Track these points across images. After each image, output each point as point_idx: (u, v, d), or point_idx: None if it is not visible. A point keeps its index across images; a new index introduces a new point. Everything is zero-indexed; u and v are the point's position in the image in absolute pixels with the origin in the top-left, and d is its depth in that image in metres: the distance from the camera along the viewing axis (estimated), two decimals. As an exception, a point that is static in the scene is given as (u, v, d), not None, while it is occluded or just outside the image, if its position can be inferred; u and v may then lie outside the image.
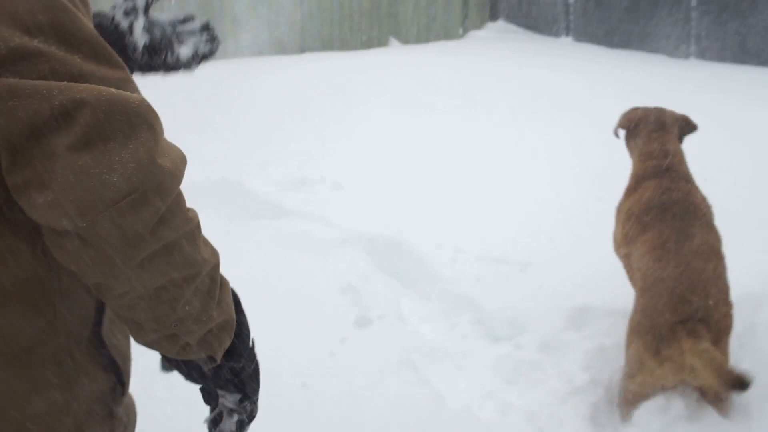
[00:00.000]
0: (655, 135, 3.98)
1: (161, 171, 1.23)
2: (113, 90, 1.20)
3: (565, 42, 12.30)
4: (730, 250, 3.68)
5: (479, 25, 13.81)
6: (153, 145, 1.22)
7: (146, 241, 1.23)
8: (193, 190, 6.22)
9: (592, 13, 12.38)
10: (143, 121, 1.22)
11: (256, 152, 6.82)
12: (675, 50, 11.20)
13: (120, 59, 1.28)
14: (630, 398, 3.42)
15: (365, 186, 6.03)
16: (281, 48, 12.47)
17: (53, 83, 1.17)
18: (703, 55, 10.89)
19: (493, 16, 13.94)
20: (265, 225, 5.55)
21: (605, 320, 4.18)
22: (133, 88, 1.28)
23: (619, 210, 4.01)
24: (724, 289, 3.42)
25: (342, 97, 8.81)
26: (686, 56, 11.08)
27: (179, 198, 1.31)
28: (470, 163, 6.46)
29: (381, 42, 13.06)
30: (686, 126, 4.09)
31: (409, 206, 5.66)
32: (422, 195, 5.86)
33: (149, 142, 1.22)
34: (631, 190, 3.95)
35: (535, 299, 4.45)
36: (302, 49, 12.58)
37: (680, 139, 4.08)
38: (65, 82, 1.18)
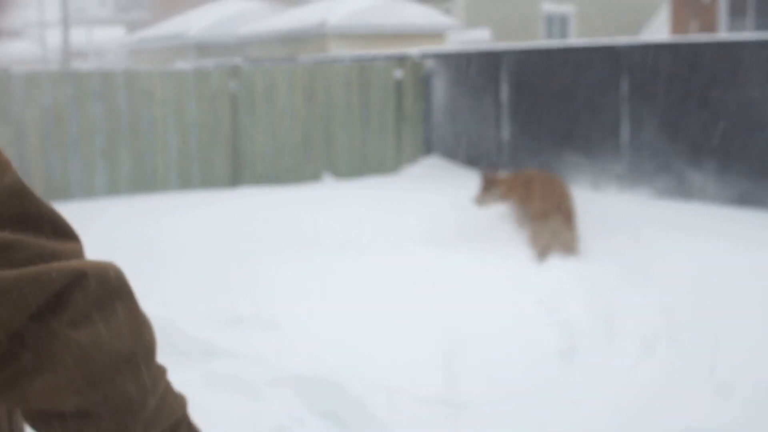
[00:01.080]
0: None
1: (149, 330, 1.26)
2: (91, 261, 1.24)
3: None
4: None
5: (413, 159, 13.99)
6: (136, 306, 1.25)
7: (143, 406, 1.25)
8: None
9: (525, 147, 12.66)
10: (123, 284, 1.25)
11: (186, 289, 6.66)
12: (596, 186, 11.47)
13: (73, 229, 1.32)
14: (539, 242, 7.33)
15: (300, 325, 5.89)
16: (212, 182, 12.44)
17: (40, 267, 1.19)
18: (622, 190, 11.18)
19: (427, 152, 14.15)
20: (195, 365, 5.37)
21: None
22: (85, 256, 1.31)
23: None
24: (568, 201, 7.64)
25: (275, 233, 8.75)
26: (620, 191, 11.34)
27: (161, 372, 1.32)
28: (406, 301, 6.38)
29: (315, 177, 13.13)
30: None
31: (345, 345, 5.53)
32: (358, 334, 5.74)
33: (132, 305, 1.25)
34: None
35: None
36: (234, 183, 12.57)
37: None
38: (46, 264, 1.20)
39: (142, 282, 6.12)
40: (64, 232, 1.30)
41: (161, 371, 1.30)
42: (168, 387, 1.33)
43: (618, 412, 4.72)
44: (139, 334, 1.24)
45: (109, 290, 1.22)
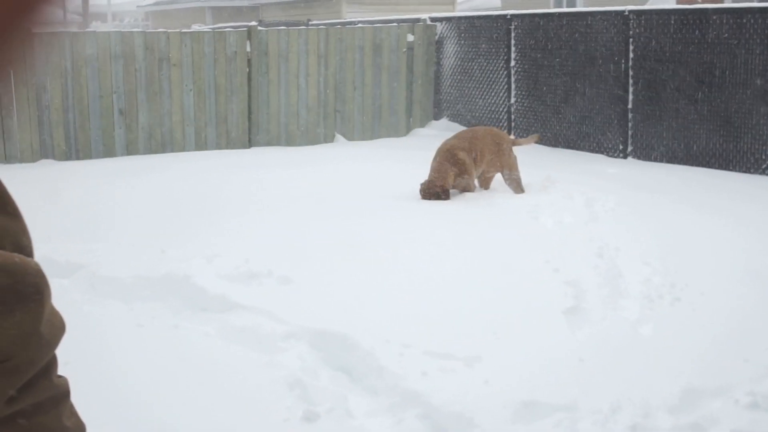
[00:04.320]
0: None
1: (39, 340, 1.21)
2: (14, 259, 1.19)
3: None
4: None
5: (423, 123, 14.12)
6: (38, 314, 1.21)
7: (10, 405, 1.20)
8: (139, 283, 6.22)
9: (533, 114, 12.76)
10: (36, 291, 1.21)
11: (202, 246, 6.83)
12: (614, 151, 11.58)
13: (16, 205, 1.27)
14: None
15: (313, 280, 6.06)
16: (227, 143, 12.60)
17: None
18: (638, 155, 11.27)
19: (437, 116, 14.28)
20: (212, 318, 5.54)
21: (553, 415, 4.23)
22: (29, 239, 1.27)
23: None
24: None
25: (289, 190, 8.91)
26: (625, 156, 11.44)
27: (51, 364, 1.28)
28: (416, 258, 6.53)
29: (327, 138, 13.27)
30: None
31: (357, 301, 5.69)
32: (370, 289, 5.90)
33: (36, 312, 1.21)
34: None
35: (482, 394, 4.48)
36: (249, 145, 12.72)
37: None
38: None
39: (159, 238, 6.33)
40: (6, 208, 1.24)
41: (49, 387, 1.25)
42: (60, 403, 1.28)
43: (620, 368, 4.87)
44: (26, 344, 1.19)
45: (14, 291, 1.18)
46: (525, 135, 12.54)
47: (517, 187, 8.74)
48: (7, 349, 1.16)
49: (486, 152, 8.66)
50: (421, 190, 8.47)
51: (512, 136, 9.52)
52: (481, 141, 8.70)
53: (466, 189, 8.71)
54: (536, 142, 10.19)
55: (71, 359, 4.53)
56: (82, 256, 6.71)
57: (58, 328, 1.27)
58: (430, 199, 8.40)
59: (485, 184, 8.94)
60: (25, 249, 1.25)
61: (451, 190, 8.62)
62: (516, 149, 9.03)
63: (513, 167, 8.78)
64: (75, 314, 5.49)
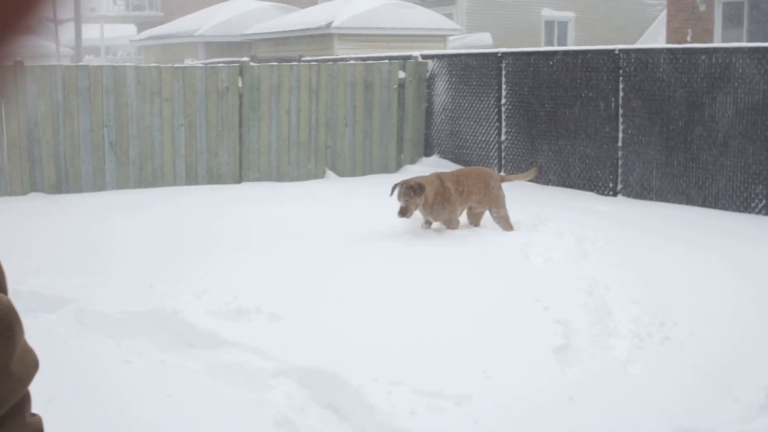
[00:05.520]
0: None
1: (10, 379, 1.20)
2: None
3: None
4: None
5: (414, 160, 14.16)
6: (10, 353, 1.20)
7: None
8: (127, 318, 6.19)
9: (522, 152, 12.81)
10: (6, 328, 1.20)
11: (191, 281, 6.80)
12: (604, 188, 11.62)
13: None
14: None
15: (302, 317, 6.03)
16: (218, 178, 12.60)
17: None
18: (628, 193, 11.31)
19: (428, 152, 14.33)
20: (200, 354, 5.50)
21: (541, 455, 4.19)
22: (1, 273, 1.26)
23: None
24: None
25: (279, 226, 8.90)
26: (615, 194, 11.48)
27: (24, 402, 1.27)
28: (406, 296, 6.52)
29: (318, 174, 13.29)
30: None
31: (346, 338, 5.66)
32: (359, 327, 5.88)
33: (6, 350, 1.20)
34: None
35: (471, 433, 4.45)
36: (239, 180, 12.73)
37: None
38: None
39: (148, 274, 6.31)
40: None
41: (22, 425, 1.23)
42: None
43: (610, 407, 4.85)
44: None
45: None
46: (515, 171, 12.60)
47: (505, 224, 8.75)
48: None
49: (473, 189, 8.69)
50: (396, 190, 8.30)
51: (502, 173, 9.62)
52: (469, 178, 8.76)
53: (449, 223, 8.62)
54: (532, 178, 10.24)
55: (56, 395, 4.50)
56: (70, 290, 6.68)
57: (30, 366, 1.25)
58: (408, 200, 8.14)
59: (475, 220, 8.95)
60: None
61: (433, 223, 8.62)
62: (507, 186, 9.06)
63: (500, 205, 8.81)
64: (61, 349, 5.45)
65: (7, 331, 1.18)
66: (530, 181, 10.52)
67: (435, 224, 8.76)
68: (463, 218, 8.91)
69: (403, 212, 8.19)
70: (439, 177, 8.61)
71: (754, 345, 5.72)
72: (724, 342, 5.71)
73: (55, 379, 4.58)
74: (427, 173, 9.20)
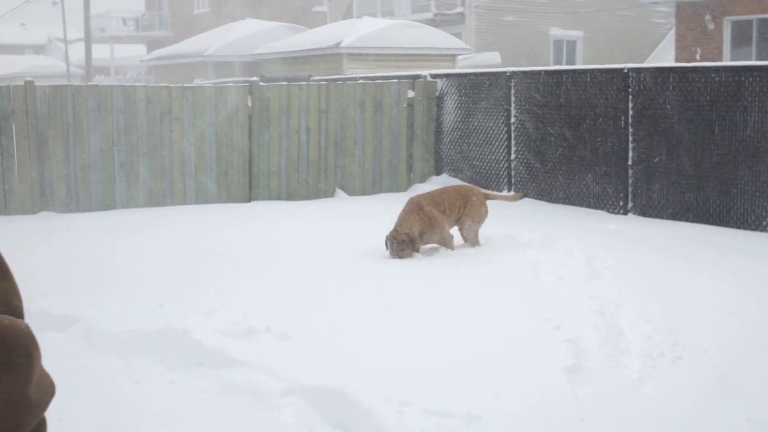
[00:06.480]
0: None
1: (28, 404, 1.20)
2: (6, 322, 1.18)
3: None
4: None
5: (423, 179, 14.16)
6: (27, 378, 1.20)
7: None
8: (136, 338, 6.17)
9: (533, 170, 12.79)
10: (25, 353, 1.20)
11: (200, 300, 6.79)
12: (614, 207, 11.58)
13: (6, 265, 1.26)
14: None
15: (311, 336, 6.00)
16: (228, 197, 12.62)
17: None
18: (638, 211, 11.27)
19: (438, 171, 14.33)
20: (210, 374, 5.48)
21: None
22: (19, 299, 1.26)
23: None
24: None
25: (288, 246, 8.89)
26: (625, 212, 11.44)
27: (40, 427, 1.27)
28: (416, 314, 6.49)
29: (328, 193, 13.30)
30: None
31: (356, 357, 5.63)
32: (368, 346, 5.85)
33: (24, 375, 1.19)
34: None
35: (482, 454, 4.41)
36: (249, 199, 12.74)
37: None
38: None
39: (157, 292, 6.30)
40: None
41: None
42: None
43: (622, 427, 4.81)
44: (13, 408, 1.17)
45: (5, 354, 1.17)
46: (526, 190, 12.57)
47: (473, 239, 8.82)
48: None
49: (453, 206, 8.75)
50: (388, 244, 8.46)
51: (487, 191, 9.61)
52: (448, 196, 8.84)
53: (443, 242, 8.67)
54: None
55: (65, 415, 4.48)
56: (79, 309, 6.67)
57: (47, 392, 1.24)
58: (400, 252, 8.36)
59: (463, 236, 8.94)
60: (16, 309, 1.23)
61: (427, 246, 8.61)
62: (511, 205, 9.08)
63: (477, 219, 8.85)
64: (71, 368, 5.44)
65: (26, 358, 1.19)
66: (539, 199, 10.49)
67: (436, 246, 8.79)
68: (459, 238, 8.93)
69: (399, 257, 8.42)
70: (418, 204, 8.64)
71: (767, 364, 5.67)
72: (738, 362, 5.66)
73: (64, 399, 4.56)
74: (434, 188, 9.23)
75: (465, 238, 8.85)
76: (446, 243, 8.67)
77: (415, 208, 8.60)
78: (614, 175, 11.57)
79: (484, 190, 9.35)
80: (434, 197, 8.82)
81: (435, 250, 8.76)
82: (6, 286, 1.23)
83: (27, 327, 1.22)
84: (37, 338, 1.23)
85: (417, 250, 8.47)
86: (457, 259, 8.32)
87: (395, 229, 8.48)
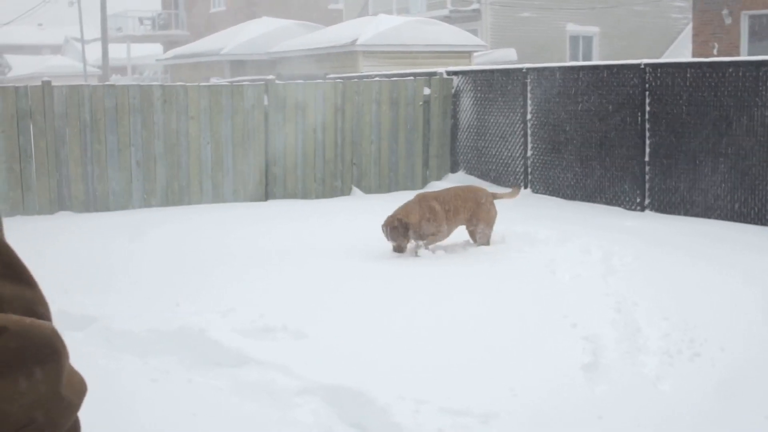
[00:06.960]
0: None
1: (60, 403, 1.20)
2: (28, 320, 1.18)
3: (524, 193, 12.59)
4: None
5: (440, 176, 14.14)
6: (57, 376, 1.20)
7: None
8: (153, 337, 6.20)
9: (549, 167, 12.75)
10: (53, 351, 1.20)
11: (217, 299, 6.81)
12: (631, 203, 11.53)
13: (31, 275, 1.25)
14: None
15: (327, 335, 6.01)
16: (244, 195, 12.64)
17: None
18: (655, 207, 11.21)
19: (454, 168, 14.31)
20: (226, 373, 5.50)
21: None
22: (45, 307, 1.26)
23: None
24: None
25: (304, 244, 8.90)
26: (642, 209, 11.39)
27: (75, 427, 1.26)
28: (432, 313, 6.48)
29: (344, 191, 13.30)
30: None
31: (372, 355, 5.63)
32: (384, 344, 5.85)
33: (54, 373, 1.19)
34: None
35: (499, 452, 4.40)
36: (265, 197, 12.76)
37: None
38: None
39: (174, 292, 6.32)
40: (19, 275, 1.23)
41: None
42: None
43: (640, 425, 4.79)
44: (47, 407, 1.17)
45: (31, 352, 1.16)
46: (542, 187, 12.54)
47: (485, 240, 8.79)
48: (26, 414, 1.14)
49: (461, 208, 8.71)
50: (383, 230, 8.44)
51: (494, 191, 9.50)
52: (457, 198, 8.79)
53: (435, 235, 8.60)
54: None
55: (83, 413, 4.50)
56: (96, 308, 6.71)
57: (79, 390, 1.24)
58: (393, 238, 8.35)
59: (473, 237, 8.88)
60: (42, 318, 1.22)
61: (423, 243, 8.57)
62: (527, 203, 9.04)
63: (488, 223, 8.81)
64: (88, 368, 5.44)
65: (54, 355, 1.19)
66: (555, 196, 10.44)
67: (450, 243, 8.77)
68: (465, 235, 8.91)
69: (398, 250, 8.46)
70: (423, 198, 8.66)
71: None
72: (756, 359, 5.63)
73: (82, 398, 4.58)
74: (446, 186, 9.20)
75: (476, 241, 8.80)
76: (436, 239, 8.64)
77: (417, 198, 8.64)
78: (631, 171, 11.52)
79: (490, 191, 9.30)
80: (443, 196, 8.80)
81: (450, 247, 8.75)
82: (31, 295, 1.24)
83: (51, 326, 1.22)
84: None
85: (409, 240, 8.43)
86: (473, 257, 8.31)
87: (392, 215, 8.49)
